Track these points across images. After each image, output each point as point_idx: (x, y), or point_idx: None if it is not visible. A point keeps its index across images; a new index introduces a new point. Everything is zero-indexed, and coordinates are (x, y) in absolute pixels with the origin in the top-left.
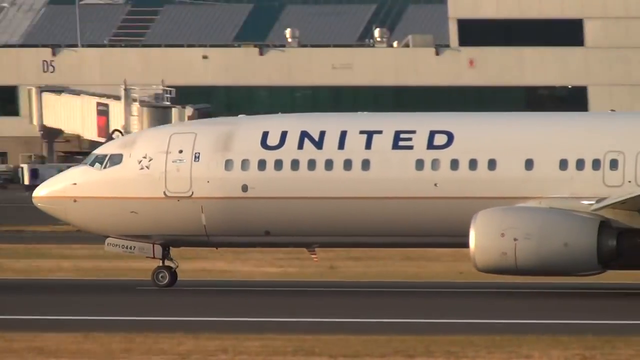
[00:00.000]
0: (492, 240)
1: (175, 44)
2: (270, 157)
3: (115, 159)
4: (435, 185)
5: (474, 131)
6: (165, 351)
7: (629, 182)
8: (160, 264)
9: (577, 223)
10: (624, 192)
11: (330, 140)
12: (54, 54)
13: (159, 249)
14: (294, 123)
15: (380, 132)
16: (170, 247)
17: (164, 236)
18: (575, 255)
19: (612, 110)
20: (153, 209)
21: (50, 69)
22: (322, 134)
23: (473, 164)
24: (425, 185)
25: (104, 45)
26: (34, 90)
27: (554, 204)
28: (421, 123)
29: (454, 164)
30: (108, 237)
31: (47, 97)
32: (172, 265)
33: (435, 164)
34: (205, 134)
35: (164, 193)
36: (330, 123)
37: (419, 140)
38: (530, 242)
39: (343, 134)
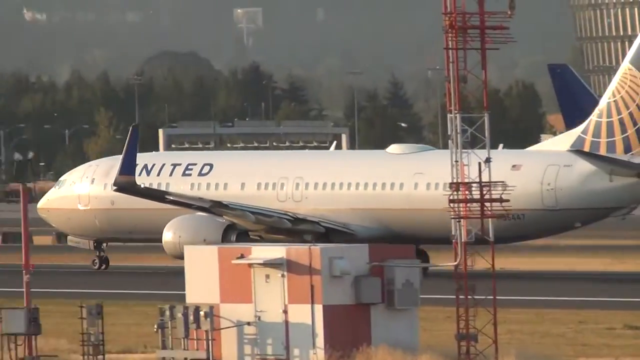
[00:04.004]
0: (170, 237)
1: None
2: None
3: (63, 183)
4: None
5: (230, 163)
6: None
7: (289, 198)
8: (97, 254)
9: (211, 225)
10: (287, 207)
11: (155, 170)
12: None
13: (92, 244)
14: (143, 159)
15: (179, 164)
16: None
17: (88, 235)
18: None
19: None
20: (76, 217)
21: None
22: (153, 165)
23: (225, 186)
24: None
25: None
26: None
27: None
28: (198, 158)
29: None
30: (68, 235)
31: None
32: (103, 254)
33: (200, 186)
34: (102, 166)
35: (78, 206)
36: (159, 158)
37: (196, 169)
38: (184, 238)
39: (162, 166)
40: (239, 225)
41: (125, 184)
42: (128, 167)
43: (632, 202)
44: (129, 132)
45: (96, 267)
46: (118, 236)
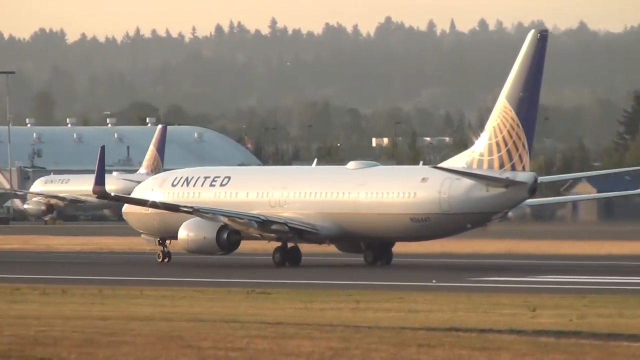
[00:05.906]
0: (183, 235)
1: None
2: (172, 191)
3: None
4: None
5: (242, 176)
6: None
7: (277, 204)
8: (161, 249)
9: (208, 226)
10: (274, 212)
11: (192, 181)
12: None
13: (157, 240)
14: (187, 173)
15: (209, 177)
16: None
17: (152, 234)
18: (208, 243)
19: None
20: (143, 219)
21: None
22: (191, 178)
23: (236, 194)
24: (219, 205)
25: None
26: None
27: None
28: (222, 172)
29: (229, 194)
30: (142, 233)
31: None
32: (166, 249)
33: (221, 194)
34: (158, 178)
35: (143, 210)
36: (197, 172)
37: (219, 181)
38: (191, 236)
39: (197, 178)
40: (230, 226)
41: (99, 193)
42: (100, 179)
43: (504, 207)
44: (99, 152)
45: (160, 260)
46: (170, 235)
